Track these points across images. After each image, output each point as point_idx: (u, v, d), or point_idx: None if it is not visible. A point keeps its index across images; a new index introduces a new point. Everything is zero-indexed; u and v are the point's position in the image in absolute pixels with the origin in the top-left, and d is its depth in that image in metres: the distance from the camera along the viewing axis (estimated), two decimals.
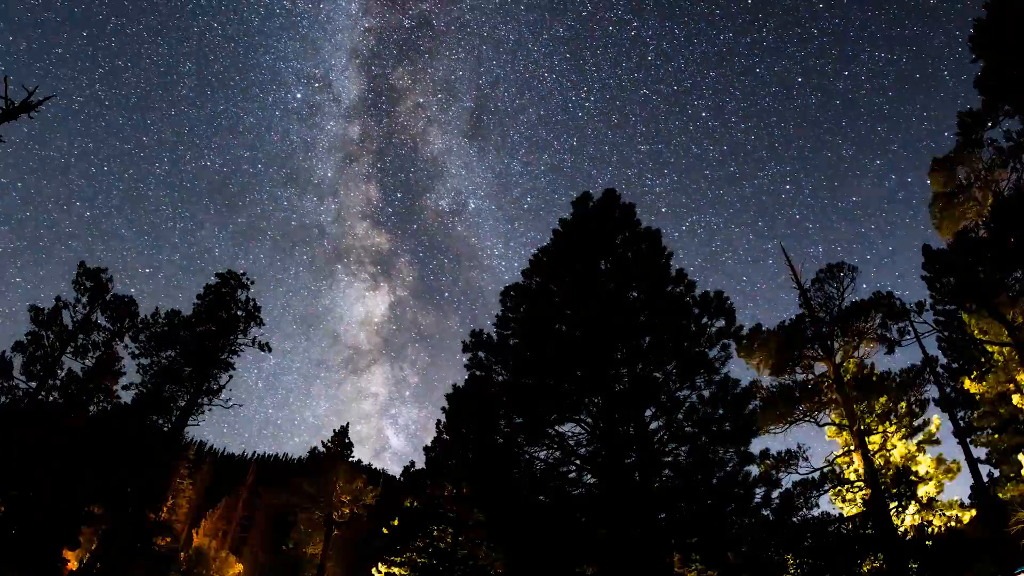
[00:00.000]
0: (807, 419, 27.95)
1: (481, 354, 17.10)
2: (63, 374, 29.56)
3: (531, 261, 18.80)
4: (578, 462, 16.38)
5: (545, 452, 16.60)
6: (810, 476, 27.67)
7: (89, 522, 24.49)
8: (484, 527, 21.86)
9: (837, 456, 30.34)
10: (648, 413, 16.56)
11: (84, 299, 29.96)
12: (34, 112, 21.43)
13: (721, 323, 17.38)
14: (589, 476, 16.29)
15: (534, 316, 17.18)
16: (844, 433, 30.26)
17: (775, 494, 17.00)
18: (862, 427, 28.21)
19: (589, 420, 16.65)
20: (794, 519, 25.58)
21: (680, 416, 16.16)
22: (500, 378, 16.88)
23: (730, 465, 16.40)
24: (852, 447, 30.01)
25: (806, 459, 28.03)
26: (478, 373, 16.94)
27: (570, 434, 16.59)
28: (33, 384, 29.46)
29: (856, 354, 28.24)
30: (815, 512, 29.06)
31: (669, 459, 16.09)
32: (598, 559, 15.35)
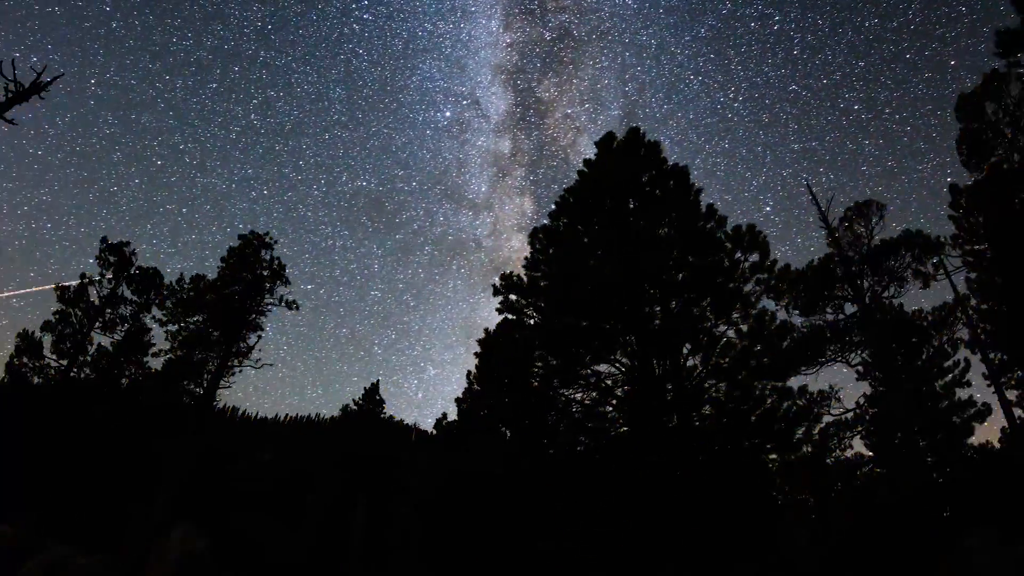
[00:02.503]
0: (839, 360, 27.37)
1: (512, 297, 16.65)
2: (93, 350, 29.58)
3: (557, 203, 18.28)
4: (614, 402, 15.98)
5: (581, 394, 16.23)
6: (843, 417, 27.31)
7: (133, 494, 24.57)
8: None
9: (868, 396, 29.86)
10: (684, 351, 16.09)
11: (109, 274, 29.85)
12: (43, 92, 21.19)
13: (755, 257, 16.80)
14: (626, 417, 15.88)
15: (563, 257, 16.65)
16: (875, 373, 29.73)
17: (816, 431, 16.62)
18: (894, 367, 27.63)
19: (624, 360, 16.19)
20: (828, 460, 25.26)
21: (717, 351, 15.68)
22: (532, 321, 16.48)
23: (769, 402, 15.95)
24: (883, 387, 29.46)
25: (838, 400, 27.62)
26: (510, 317, 16.53)
27: (606, 373, 16.17)
28: (64, 362, 29.48)
29: (886, 294, 27.57)
30: (848, 453, 28.81)
31: (708, 396, 15.64)
32: (639, 501, 14.99)
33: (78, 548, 19.58)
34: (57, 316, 29.77)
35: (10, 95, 19.92)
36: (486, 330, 17.11)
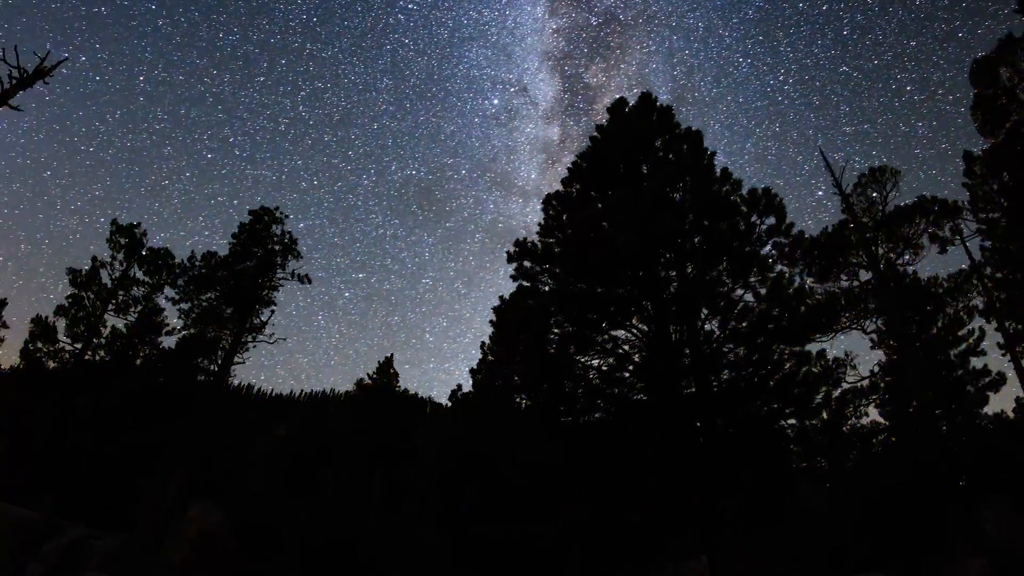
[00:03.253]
0: (854, 327, 27.07)
1: (527, 263, 16.35)
2: (107, 332, 29.56)
3: (570, 169, 17.92)
4: (631, 368, 15.72)
5: (598, 360, 15.98)
6: (859, 384, 26.99)
7: (149, 473, 24.58)
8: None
9: (883, 365, 29.53)
10: (701, 316, 15.80)
11: (120, 256, 29.74)
12: (48, 78, 21.00)
13: (771, 220, 16.42)
14: (643, 383, 15.62)
15: (577, 222, 16.32)
16: (890, 341, 29.39)
17: (835, 395, 16.32)
18: (908, 334, 27.28)
19: (641, 326, 15.92)
20: (844, 428, 24.93)
21: (735, 316, 15.38)
22: (546, 288, 16.20)
23: (787, 366, 15.66)
24: (898, 356, 29.12)
25: (854, 367, 27.27)
26: (524, 284, 16.24)
27: (623, 339, 15.90)
28: (79, 345, 29.46)
29: (901, 261, 27.19)
30: (864, 421, 28.49)
31: (726, 361, 15.36)
32: (657, 467, 14.77)
33: (96, 529, 19.62)
34: (70, 300, 29.71)
35: (14, 81, 19.76)
36: (501, 297, 16.84)
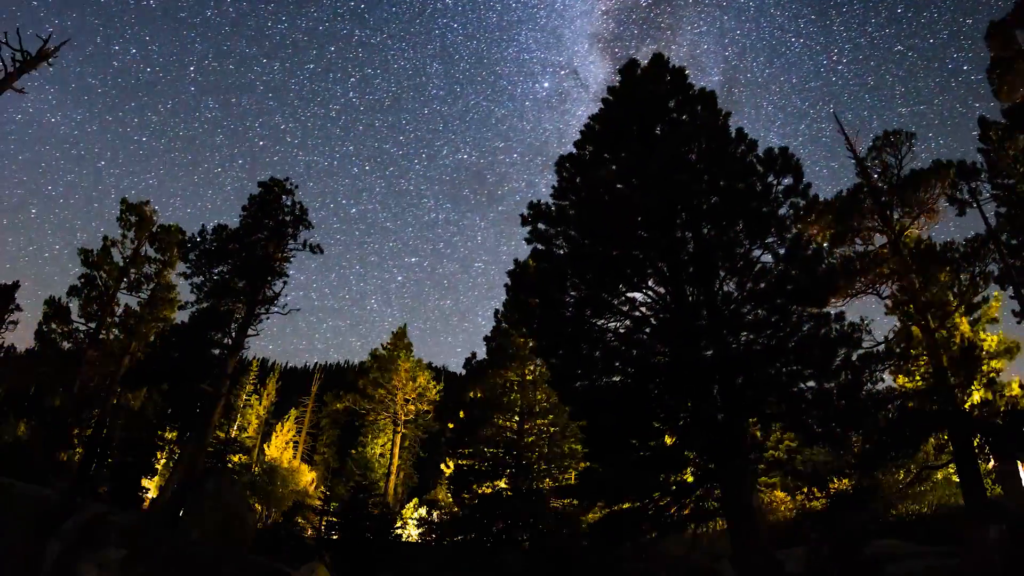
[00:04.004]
0: (869, 292, 26.66)
1: (541, 226, 16.05)
2: (120, 311, 29.57)
3: (582, 132, 17.54)
4: (648, 330, 15.48)
5: (615, 323, 15.74)
6: (874, 349, 26.60)
7: (162, 449, 24.70)
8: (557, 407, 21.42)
9: (897, 331, 29.18)
10: (718, 277, 15.53)
11: (131, 234, 29.71)
12: (51, 59, 20.75)
13: (788, 181, 16.05)
14: (661, 345, 15.38)
15: (591, 184, 16.01)
16: (905, 308, 29.01)
17: (855, 356, 16.01)
18: (923, 300, 26.89)
19: (659, 288, 15.67)
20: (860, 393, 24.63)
21: (753, 276, 15.11)
22: (561, 251, 15.93)
23: (806, 328, 15.39)
24: (912, 322, 28.77)
25: (869, 332, 26.84)
26: (539, 247, 15.96)
27: (640, 301, 15.65)
28: (92, 324, 29.47)
29: (916, 225, 26.71)
30: (879, 386, 28.18)
31: (744, 322, 15.09)
32: (677, 429, 14.58)
33: (114, 506, 19.63)
34: (83, 280, 29.68)
35: (18, 64, 19.56)
36: (516, 261, 16.52)
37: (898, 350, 27.97)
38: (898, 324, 29.84)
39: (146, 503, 26.09)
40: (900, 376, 29.46)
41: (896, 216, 25.94)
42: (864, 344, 26.37)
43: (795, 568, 14.27)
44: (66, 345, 30.46)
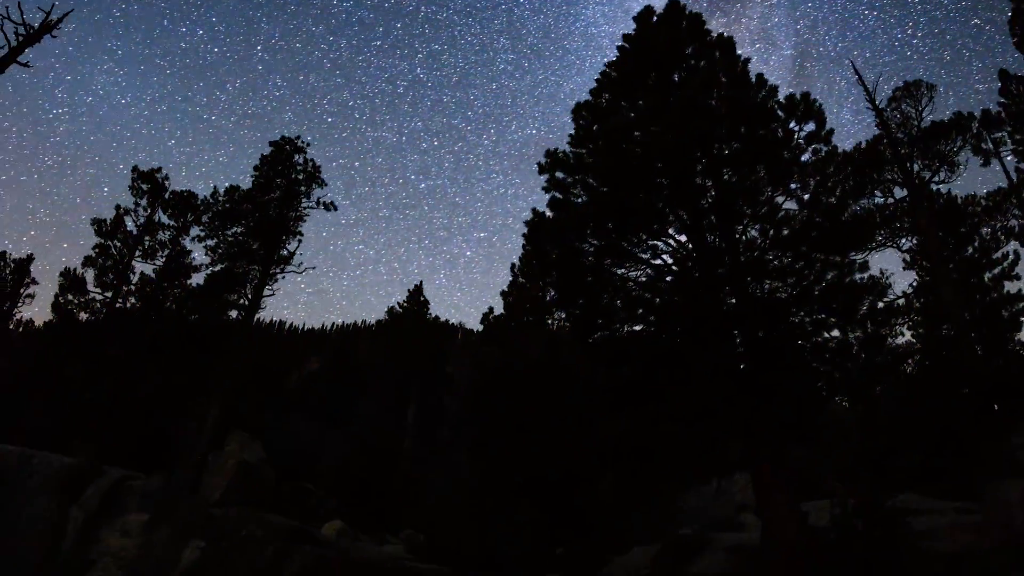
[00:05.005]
0: (889, 245, 26.19)
1: (559, 174, 15.58)
2: (136, 279, 29.45)
3: (598, 80, 16.96)
4: (669, 279, 15.10)
5: (635, 272, 15.35)
6: (894, 303, 26.15)
7: (184, 413, 24.60)
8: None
9: (916, 285, 28.75)
10: (740, 224, 15.07)
11: (144, 202, 29.47)
12: (55, 31, 20.35)
13: (811, 127, 15.47)
14: (682, 294, 14.98)
15: (609, 131, 15.51)
16: (923, 262, 28.50)
17: (881, 304, 15.56)
18: (944, 255, 26.35)
19: (681, 237, 15.23)
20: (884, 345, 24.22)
21: (777, 222, 14.64)
22: (579, 200, 15.51)
23: (830, 275, 14.96)
24: (932, 276, 28.26)
25: (889, 286, 26.40)
26: (557, 196, 15.53)
27: (662, 249, 15.24)
28: (108, 294, 29.35)
29: (936, 178, 26.04)
30: (899, 341, 27.81)
31: (767, 269, 14.66)
32: (700, 380, 14.23)
33: (136, 471, 19.58)
34: (97, 250, 29.49)
35: (20, 39, 19.17)
36: (533, 210, 16.08)
37: (918, 304, 27.57)
38: (917, 279, 29.38)
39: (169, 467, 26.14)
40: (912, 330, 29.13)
41: (916, 169, 25.29)
42: (884, 297, 26.20)
43: (819, 520, 14.00)
44: (83, 315, 30.41)
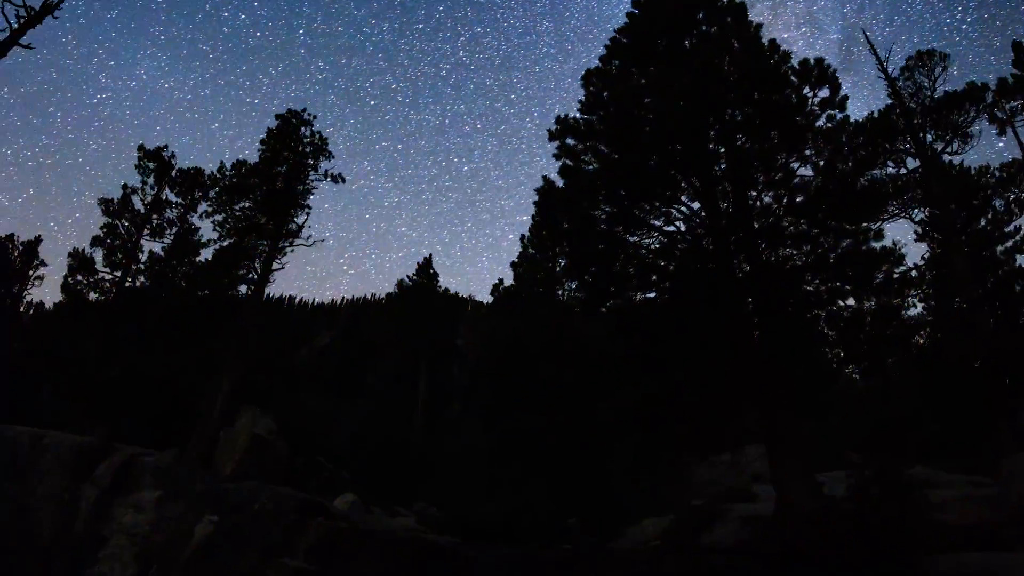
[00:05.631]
0: (901, 215, 25.86)
1: (569, 141, 15.30)
2: (145, 258, 29.39)
3: (607, 47, 16.55)
4: (682, 247, 14.87)
5: (648, 240, 15.13)
6: (907, 275, 25.82)
7: (196, 389, 24.53)
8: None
9: (928, 257, 28.46)
10: (753, 191, 14.81)
11: (151, 180, 29.36)
12: (56, 12, 20.17)
13: (825, 93, 15.11)
14: (694, 261, 14.76)
15: (620, 96, 15.20)
16: (934, 234, 28.18)
17: (897, 273, 15.30)
18: (957, 226, 26.01)
19: (693, 204, 14.98)
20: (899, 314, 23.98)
21: (791, 189, 14.39)
22: (590, 168, 15.25)
23: (844, 243, 14.72)
24: (944, 248, 27.94)
25: (904, 256, 26.04)
26: (568, 163, 15.28)
27: (676, 215, 14.99)
28: (118, 274, 29.29)
29: (949, 149, 25.61)
30: (911, 312, 27.51)
31: (781, 236, 14.41)
32: (713, 349, 14.04)
33: (150, 448, 19.55)
34: (105, 230, 29.39)
35: (22, 20, 18.99)
36: (544, 177, 15.83)
37: (930, 276, 27.28)
38: (928, 251, 29.06)
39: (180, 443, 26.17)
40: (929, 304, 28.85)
41: (929, 139, 24.88)
42: (896, 269, 25.91)
43: (835, 490, 13.84)
44: (93, 296, 30.37)
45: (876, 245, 14.82)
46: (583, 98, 15.97)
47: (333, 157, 24.43)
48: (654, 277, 14.47)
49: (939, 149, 25.20)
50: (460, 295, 57.30)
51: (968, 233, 28.29)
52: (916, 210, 25.98)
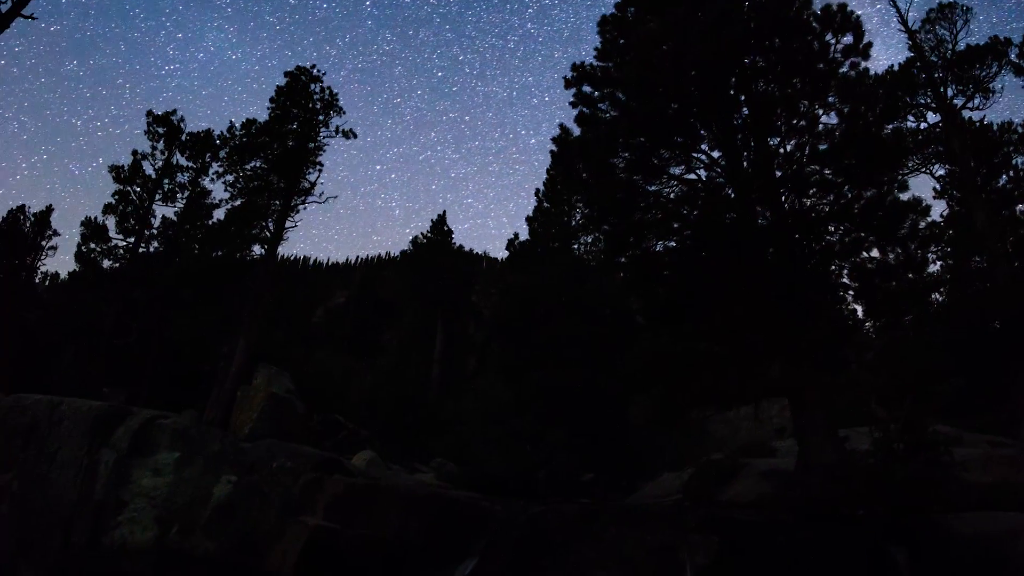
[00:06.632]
0: (922, 171, 25.34)
1: (586, 88, 14.82)
2: (158, 223, 29.32)
3: None
4: (703, 195, 14.50)
5: (667, 189, 14.77)
6: (933, 228, 25.36)
7: (212, 351, 24.56)
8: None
9: (947, 214, 27.99)
10: (778, 137, 14.38)
11: (160, 145, 29.15)
12: None
13: (848, 39, 14.53)
14: (716, 210, 14.39)
15: (637, 43, 14.68)
16: (953, 191, 27.69)
17: (923, 224, 14.88)
18: (978, 183, 25.46)
19: (713, 153, 14.59)
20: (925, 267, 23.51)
21: (815, 135, 13.97)
22: (608, 116, 14.85)
23: (869, 193, 14.31)
24: (961, 206, 27.47)
25: (929, 207, 25.51)
26: (584, 111, 14.88)
27: (696, 162, 14.59)
28: (131, 240, 29.23)
29: (970, 105, 24.98)
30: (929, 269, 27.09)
31: (805, 184, 14.02)
32: (735, 299, 13.74)
33: (168, 411, 19.51)
34: (117, 197, 29.26)
35: None
36: (560, 125, 15.43)
37: (950, 233, 26.82)
38: (948, 208, 28.58)
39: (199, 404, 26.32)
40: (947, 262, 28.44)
41: (951, 93, 24.27)
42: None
43: (859, 445, 13.59)
44: (107, 263, 30.36)
45: (902, 195, 14.45)
46: (599, 45, 15.51)
47: (344, 113, 23.99)
48: (676, 225, 14.11)
49: (960, 104, 24.60)
50: (475, 251, 57.02)
51: (987, 191, 27.73)
52: (936, 165, 25.40)
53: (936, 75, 24.02)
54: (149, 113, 28.83)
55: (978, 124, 27.12)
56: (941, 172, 25.98)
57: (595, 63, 15.24)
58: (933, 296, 28.04)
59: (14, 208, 37.60)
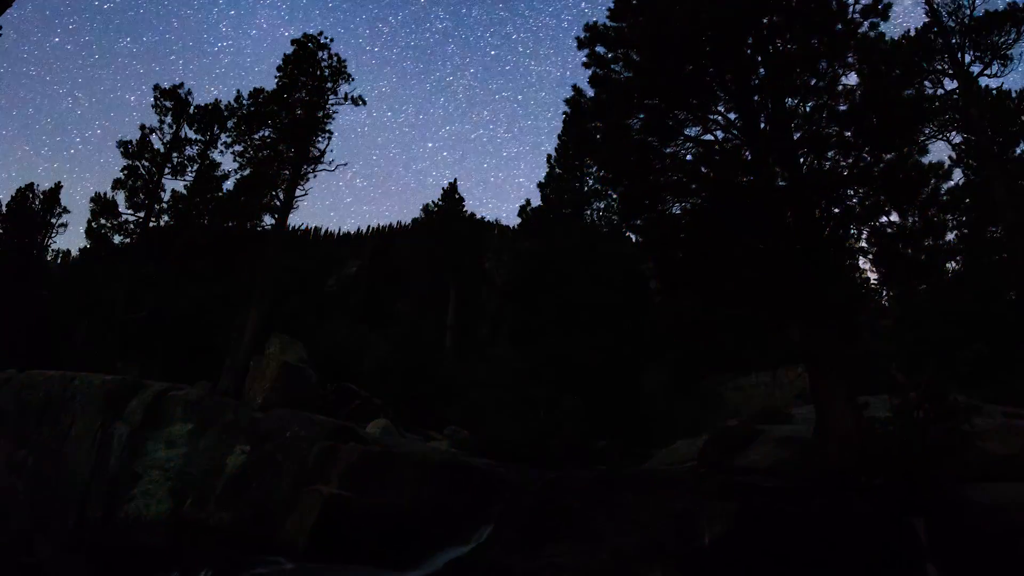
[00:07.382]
0: (939, 137, 24.80)
1: (599, 49, 14.45)
2: (167, 197, 29.19)
3: None
4: (719, 157, 14.17)
5: (683, 152, 14.46)
6: (954, 193, 24.93)
7: (224, 322, 24.52)
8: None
9: (963, 183, 27.44)
10: (795, 98, 14.00)
11: (168, 119, 28.94)
12: None
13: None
14: (731, 172, 14.07)
15: (650, 2, 14.35)
16: (969, 160, 27.14)
17: (944, 189, 14.54)
18: (990, 155, 24.89)
19: (729, 115, 14.22)
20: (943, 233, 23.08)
21: (833, 96, 13.58)
22: (621, 77, 14.49)
23: (889, 156, 13.94)
24: (977, 175, 26.93)
25: (950, 171, 25.08)
26: (598, 71, 14.50)
27: (712, 123, 14.22)
28: (141, 214, 29.12)
29: (988, 72, 24.35)
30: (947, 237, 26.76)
31: (825, 144, 13.66)
32: (752, 263, 13.47)
33: (181, 382, 19.46)
34: (126, 171, 29.08)
35: None
36: (574, 87, 15.08)
37: (966, 202, 26.35)
38: (963, 177, 28.04)
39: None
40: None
41: (968, 60, 23.65)
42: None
43: (879, 412, 13.35)
44: (117, 239, 30.30)
45: (923, 159, 14.09)
46: (611, 5, 15.10)
47: (352, 79, 23.65)
48: (693, 187, 13.80)
49: (977, 72, 24.01)
50: (486, 219, 56.61)
51: (1004, 159, 27.17)
52: (953, 133, 24.86)
53: (953, 40, 23.38)
54: (156, 87, 28.58)
55: (995, 91, 26.50)
56: (958, 140, 25.34)
57: (608, 23, 14.85)
58: (948, 265, 27.77)
59: (23, 186, 37.68)
